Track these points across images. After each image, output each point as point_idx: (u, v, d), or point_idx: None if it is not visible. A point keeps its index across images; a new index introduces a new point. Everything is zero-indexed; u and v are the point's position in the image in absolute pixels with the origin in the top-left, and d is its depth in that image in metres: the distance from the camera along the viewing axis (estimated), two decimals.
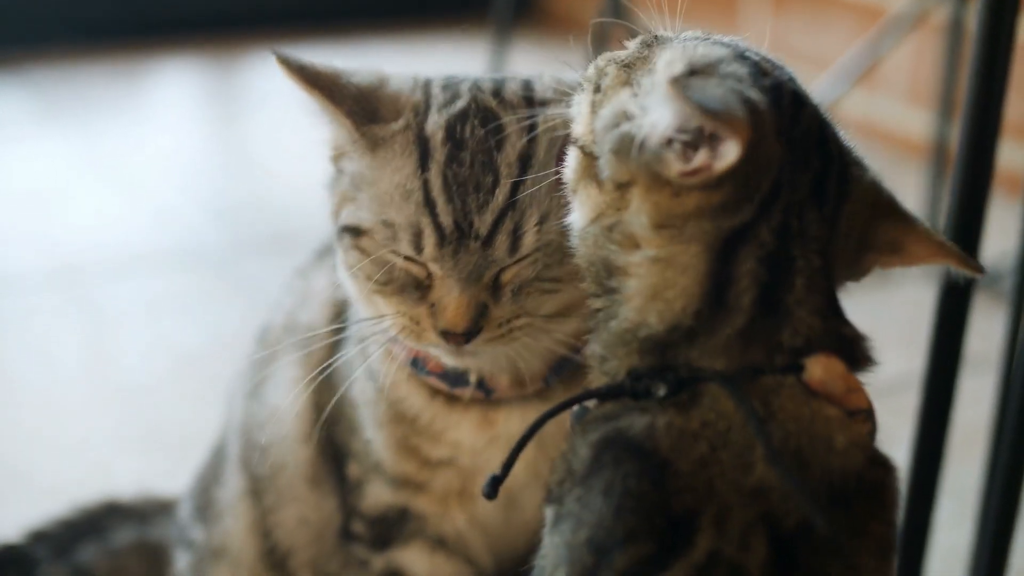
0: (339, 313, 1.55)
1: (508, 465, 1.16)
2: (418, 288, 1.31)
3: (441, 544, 1.54)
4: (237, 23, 5.14)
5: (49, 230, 3.49)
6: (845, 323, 1.11)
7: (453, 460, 1.48)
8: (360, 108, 1.34)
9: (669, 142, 1.05)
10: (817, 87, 3.35)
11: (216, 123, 4.58)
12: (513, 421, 1.45)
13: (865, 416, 1.10)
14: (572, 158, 1.18)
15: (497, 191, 1.28)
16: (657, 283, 1.09)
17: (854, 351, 1.11)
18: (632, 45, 1.21)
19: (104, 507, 2.03)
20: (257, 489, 1.64)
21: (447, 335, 1.30)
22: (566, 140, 1.23)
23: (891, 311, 2.92)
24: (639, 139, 1.08)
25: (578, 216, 1.16)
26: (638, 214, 1.09)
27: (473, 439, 1.46)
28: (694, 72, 1.07)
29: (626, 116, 1.11)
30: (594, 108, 1.16)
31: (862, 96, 4.02)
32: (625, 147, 1.09)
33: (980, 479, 1.68)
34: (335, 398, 1.50)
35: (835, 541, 1.04)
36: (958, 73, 3.10)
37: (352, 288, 1.41)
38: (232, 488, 1.68)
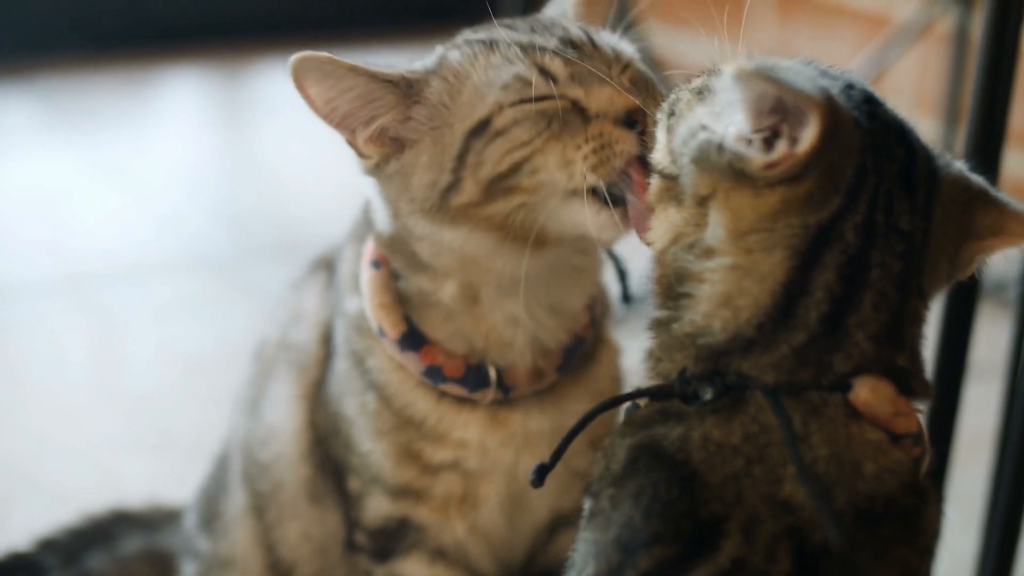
0: (329, 334, 1.56)
1: (558, 453, 1.19)
2: (575, 120, 1.34)
3: (440, 554, 1.54)
4: (245, 31, 5.14)
5: (58, 237, 3.50)
6: (901, 352, 1.11)
7: (457, 463, 1.49)
8: None
9: (748, 142, 1.07)
10: None
11: (224, 130, 4.58)
12: (532, 419, 1.48)
13: (913, 441, 1.10)
14: (653, 184, 1.20)
15: (567, 23, 1.42)
16: (730, 291, 1.09)
17: (907, 381, 1.11)
18: (700, 78, 1.23)
19: (112, 515, 2.04)
20: (259, 505, 1.65)
21: (633, 118, 1.33)
22: None
23: None
24: (716, 141, 1.09)
25: (656, 238, 1.18)
26: (716, 227, 1.10)
27: (483, 438, 1.47)
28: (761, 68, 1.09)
29: (702, 127, 1.13)
30: (670, 130, 1.18)
31: None
32: (705, 153, 1.10)
33: (986, 485, 1.68)
34: (329, 414, 1.51)
35: (854, 560, 1.05)
36: (964, 82, 3.10)
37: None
38: (236, 503, 1.69)
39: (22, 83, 4.69)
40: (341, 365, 1.52)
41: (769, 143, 1.06)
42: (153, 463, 2.40)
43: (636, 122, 1.32)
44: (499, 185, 1.34)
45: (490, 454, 1.48)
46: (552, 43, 1.37)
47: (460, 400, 1.47)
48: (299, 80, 1.36)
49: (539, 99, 1.33)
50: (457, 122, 1.36)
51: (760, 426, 1.07)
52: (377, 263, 1.48)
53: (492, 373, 1.46)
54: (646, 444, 1.10)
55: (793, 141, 1.05)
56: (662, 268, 1.17)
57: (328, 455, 1.58)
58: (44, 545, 1.99)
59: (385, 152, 1.39)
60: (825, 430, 1.07)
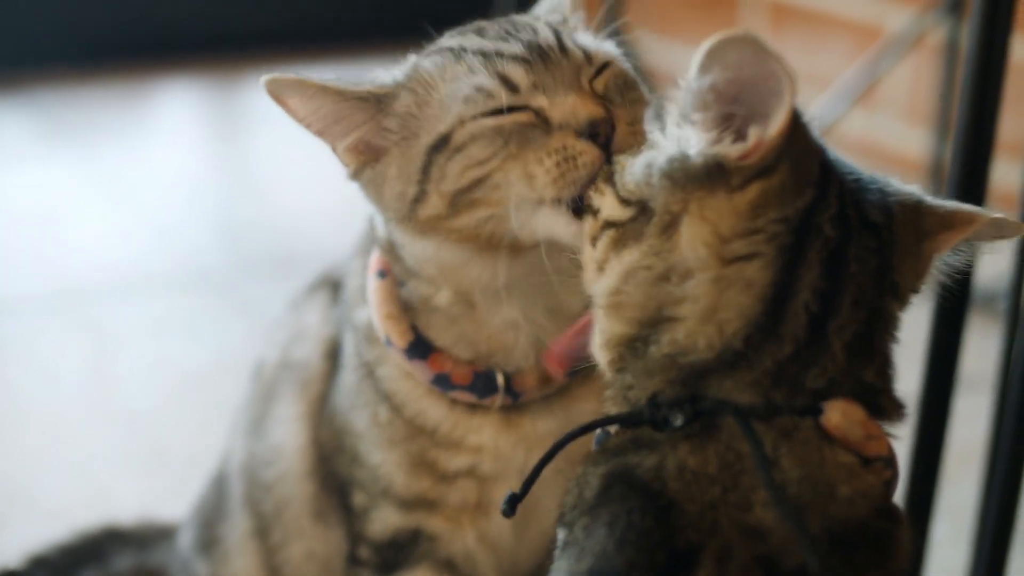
0: (333, 349, 1.56)
1: (528, 484, 1.18)
2: (535, 133, 1.32)
3: (449, 566, 1.54)
4: (239, 44, 5.15)
5: (52, 251, 3.50)
6: (871, 365, 1.11)
7: (473, 468, 1.49)
8: None
9: (716, 140, 1.07)
10: (816, 106, 3.36)
11: (219, 144, 4.58)
12: (540, 421, 1.48)
13: (884, 464, 1.10)
14: (597, 247, 1.17)
15: (539, 24, 1.39)
16: (714, 304, 1.08)
17: (876, 400, 1.11)
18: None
19: (104, 532, 2.04)
20: (263, 528, 1.65)
21: (595, 129, 1.30)
22: None
23: None
24: (684, 150, 1.09)
25: (606, 280, 1.16)
26: (693, 244, 1.08)
27: (497, 442, 1.47)
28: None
29: (667, 144, 1.12)
30: (616, 180, 1.17)
31: (861, 115, 4.03)
32: (675, 164, 1.09)
33: (976, 498, 1.68)
34: (334, 429, 1.51)
35: None
36: (955, 93, 3.11)
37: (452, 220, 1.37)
38: (238, 528, 1.69)
39: (17, 96, 4.69)
40: (349, 378, 1.52)
41: (739, 134, 1.06)
42: (147, 479, 2.40)
43: (599, 134, 1.29)
44: (463, 199, 1.33)
45: (503, 457, 1.48)
46: (517, 49, 1.35)
47: (472, 405, 1.47)
48: (276, 96, 1.37)
49: (500, 111, 1.32)
50: (423, 134, 1.36)
51: (735, 453, 1.06)
52: (383, 273, 1.48)
53: (500, 379, 1.45)
54: (619, 472, 1.09)
55: (764, 125, 1.05)
56: (628, 300, 1.14)
57: (332, 471, 1.57)
58: (36, 562, 1.99)
59: (362, 160, 1.40)
60: (797, 453, 1.06)
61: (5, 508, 2.31)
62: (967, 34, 1.51)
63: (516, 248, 1.35)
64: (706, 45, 1.04)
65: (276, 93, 1.36)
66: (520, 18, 1.44)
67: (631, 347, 1.13)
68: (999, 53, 1.50)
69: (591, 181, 1.26)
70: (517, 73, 1.33)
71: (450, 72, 1.36)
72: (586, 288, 1.20)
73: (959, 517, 1.98)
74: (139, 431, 2.58)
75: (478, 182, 1.32)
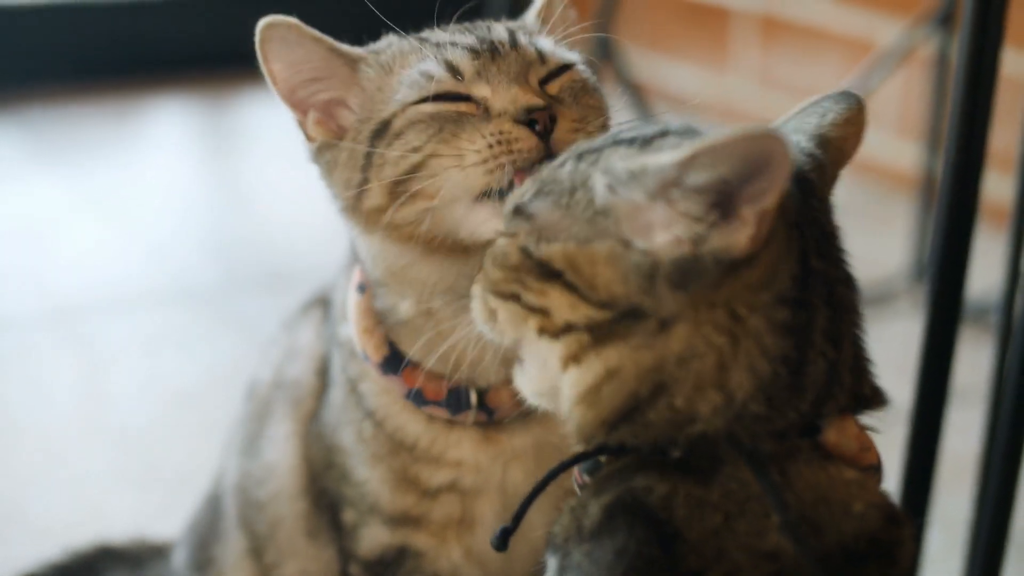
0: (324, 366, 1.56)
1: (518, 517, 1.17)
2: (474, 120, 1.31)
3: None
4: (229, 62, 5.15)
5: (44, 268, 3.50)
6: (862, 377, 1.10)
7: (455, 483, 1.48)
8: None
9: (709, 227, 1.00)
10: None
11: (209, 161, 4.58)
12: (517, 437, 1.46)
13: (875, 470, 1.10)
14: (558, 345, 1.08)
15: (496, 24, 1.42)
16: (723, 378, 1.03)
17: (862, 398, 1.10)
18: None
19: (97, 551, 2.03)
20: (257, 548, 1.64)
21: (532, 117, 1.28)
22: None
23: (880, 344, 2.91)
24: (687, 252, 1.01)
25: (580, 375, 1.07)
26: (703, 334, 1.02)
27: (476, 457, 1.47)
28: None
29: (649, 253, 1.03)
30: (578, 287, 1.06)
31: None
32: (682, 268, 1.01)
33: (969, 510, 1.68)
34: (324, 447, 1.51)
35: None
36: (946, 106, 3.11)
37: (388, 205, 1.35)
38: (233, 548, 1.68)
39: (7, 114, 4.69)
40: (337, 395, 1.52)
41: (727, 212, 1.00)
42: (139, 496, 2.40)
43: (536, 121, 1.28)
44: (400, 188, 1.32)
45: (483, 472, 1.47)
46: (468, 40, 1.36)
47: (449, 420, 1.46)
48: (263, 50, 1.38)
49: (442, 96, 1.32)
50: (374, 118, 1.36)
51: (738, 481, 1.04)
52: (362, 287, 1.47)
53: (473, 396, 1.44)
54: (627, 501, 1.05)
55: (758, 204, 0.99)
56: (601, 410, 1.07)
57: (323, 489, 1.57)
58: None
59: (328, 135, 1.40)
60: (804, 475, 1.05)
61: None
62: (958, 47, 1.51)
63: (459, 249, 1.34)
64: (709, 143, 0.97)
65: (267, 43, 1.38)
66: (481, 21, 1.45)
67: (615, 424, 1.07)
68: (989, 66, 1.50)
69: (527, 171, 1.25)
70: (463, 61, 1.34)
71: (407, 59, 1.38)
72: (536, 378, 1.13)
73: (952, 529, 1.98)
74: (131, 448, 2.57)
75: (414, 169, 1.31)
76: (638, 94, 2.83)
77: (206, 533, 1.75)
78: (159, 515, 2.27)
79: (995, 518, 1.58)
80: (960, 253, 1.52)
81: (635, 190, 1.02)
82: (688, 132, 1.09)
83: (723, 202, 1.00)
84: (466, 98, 1.32)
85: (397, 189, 1.32)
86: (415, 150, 1.31)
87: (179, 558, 1.80)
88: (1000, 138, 1.73)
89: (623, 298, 1.03)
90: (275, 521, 1.61)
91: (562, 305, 1.06)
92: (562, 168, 1.10)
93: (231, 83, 5.04)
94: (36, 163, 4.27)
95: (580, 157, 1.10)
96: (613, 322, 1.04)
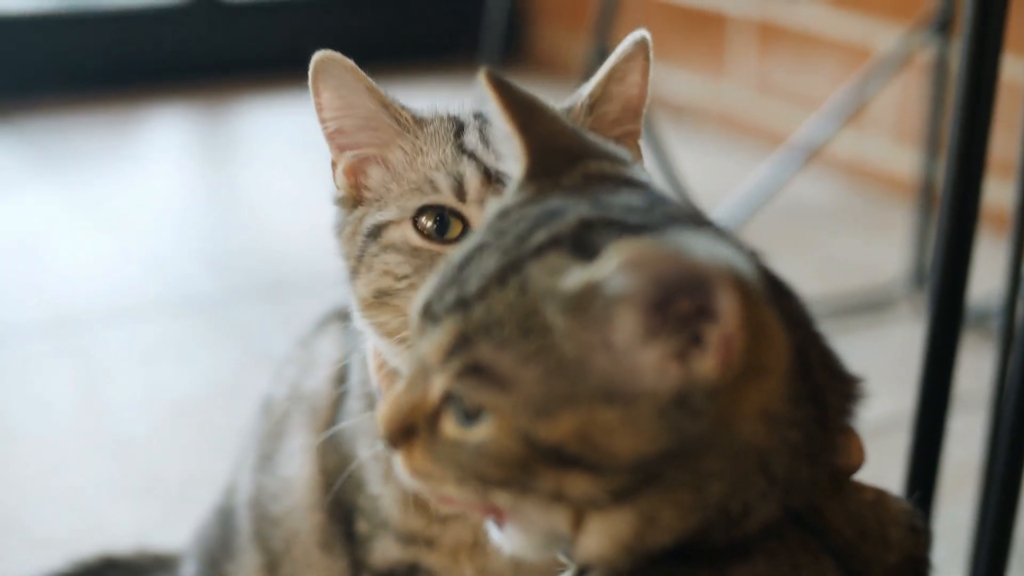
0: (344, 374, 1.55)
1: None
2: None
3: None
4: (227, 70, 5.16)
5: (42, 279, 3.50)
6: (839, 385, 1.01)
7: (465, 513, 1.46)
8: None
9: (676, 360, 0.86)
10: (805, 127, 3.37)
11: (207, 170, 4.58)
12: None
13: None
14: (557, 511, 0.93)
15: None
16: (744, 487, 0.91)
17: (845, 403, 1.01)
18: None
19: (101, 562, 2.03)
20: (272, 563, 1.63)
21: None
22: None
23: (881, 351, 2.93)
24: (664, 399, 0.87)
25: (591, 541, 0.93)
26: (731, 450, 0.90)
27: None
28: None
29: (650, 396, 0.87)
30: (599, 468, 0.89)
31: (850, 135, 4.04)
32: (671, 420, 0.87)
33: (972, 518, 1.68)
34: (340, 456, 1.50)
35: None
36: (944, 112, 3.12)
37: (374, 313, 1.34)
38: (247, 565, 1.67)
39: (5, 124, 4.70)
40: (354, 406, 1.51)
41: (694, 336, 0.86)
42: (140, 506, 2.39)
43: None
44: (383, 298, 1.32)
45: None
46: (488, 160, 1.32)
47: None
48: (315, 79, 1.35)
49: (438, 208, 1.30)
50: (386, 207, 1.34)
51: (778, 540, 0.94)
52: None
53: None
54: None
55: (710, 317, 0.85)
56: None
57: (337, 499, 1.56)
58: None
59: (349, 190, 1.38)
60: (834, 510, 0.98)
61: None
62: (959, 53, 1.51)
63: None
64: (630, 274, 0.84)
65: (321, 74, 1.34)
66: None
67: (656, 555, 0.93)
68: (990, 72, 1.50)
69: None
70: (472, 182, 1.31)
71: (437, 148, 1.34)
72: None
73: (955, 537, 1.98)
74: (131, 458, 2.57)
75: (392, 291, 1.31)
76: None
77: (217, 550, 1.74)
78: (160, 525, 2.26)
79: (997, 526, 1.58)
80: (962, 259, 1.52)
81: (593, 326, 0.87)
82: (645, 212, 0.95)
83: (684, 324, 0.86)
84: (459, 216, 1.31)
85: (379, 297, 1.33)
86: (395, 278, 1.31)
87: (188, 573, 1.79)
88: (1000, 144, 1.73)
89: (651, 454, 0.88)
90: (291, 536, 1.60)
91: (581, 483, 0.90)
92: (497, 292, 0.91)
93: (228, 93, 5.04)
94: (34, 173, 4.27)
95: (505, 274, 0.92)
96: (640, 480, 0.89)
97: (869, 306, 3.19)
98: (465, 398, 0.91)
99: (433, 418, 0.94)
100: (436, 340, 0.92)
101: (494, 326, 0.89)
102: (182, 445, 2.62)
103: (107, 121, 4.82)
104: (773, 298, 0.92)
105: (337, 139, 1.38)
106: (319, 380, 1.58)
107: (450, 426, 0.93)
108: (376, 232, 1.33)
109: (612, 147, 1.06)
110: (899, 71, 3.40)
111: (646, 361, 0.86)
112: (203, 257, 3.69)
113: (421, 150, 1.34)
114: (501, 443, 0.89)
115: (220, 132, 4.94)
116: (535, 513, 0.93)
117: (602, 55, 3.02)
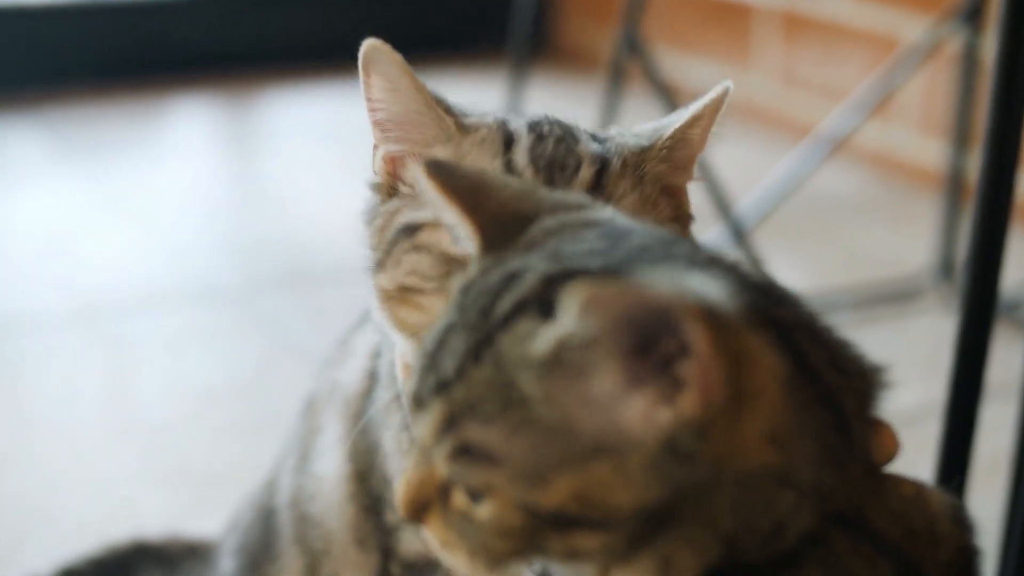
0: (376, 365, 1.54)
1: None
2: None
3: None
4: (252, 60, 5.16)
5: (67, 269, 3.51)
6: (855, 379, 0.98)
7: None
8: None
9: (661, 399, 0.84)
10: (831, 118, 3.36)
11: (232, 160, 4.59)
12: None
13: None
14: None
15: (581, 170, 1.26)
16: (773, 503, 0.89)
17: (868, 393, 0.99)
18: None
19: (133, 547, 2.03)
20: (313, 564, 1.63)
21: None
22: None
23: (912, 341, 2.93)
24: (651, 445, 0.85)
25: None
26: (744, 475, 0.88)
27: None
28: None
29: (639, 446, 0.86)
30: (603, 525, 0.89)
31: (877, 126, 4.03)
32: (665, 465, 0.85)
33: (1003, 508, 1.68)
34: (368, 444, 1.50)
35: None
36: (972, 103, 3.11)
37: (397, 311, 1.33)
38: (289, 568, 1.67)
39: (29, 115, 4.71)
40: (384, 396, 1.51)
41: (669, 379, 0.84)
42: (169, 494, 2.40)
43: None
44: (405, 295, 1.31)
45: None
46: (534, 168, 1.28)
47: None
48: (366, 65, 1.33)
49: None
50: (422, 207, 1.30)
51: (825, 546, 0.92)
52: None
53: None
54: None
55: (683, 352, 0.83)
56: None
57: (368, 490, 1.56)
58: (65, 574, 1.99)
59: (385, 178, 1.37)
60: (877, 508, 0.96)
61: (25, 526, 2.31)
62: (987, 43, 1.50)
63: None
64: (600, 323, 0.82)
65: (371, 61, 1.32)
66: (585, 147, 1.30)
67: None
68: None
69: None
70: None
71: (480, 151, 1.31)
72: None
73: (986, 528, 1.96)
74: (158, 447, 2.58)
75: (419, 289, 1.30)
76: (666, 93, 2.82)
77: (259, 551, 1.73)
78: (189, 512, 2.27)
79: None
80: (994, 251, 1.51)
81: (570, 384, 0.86)
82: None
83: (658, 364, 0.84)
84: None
85: (403, 291, 1.31)
86: (421, 277, 1.29)
87: (226, 570, 1.78)
88: None
89: (652, 502, 0.86)
90: (329, 535, 1.60)
91: (590, 540, 0.89)
92: (473, 369, 0.90)
93: (253, 82, 5.05)
94: (59, 164, 4.28)
95: (478, 350, 0.90)
96: (652, 526, 0.88)
97: (896, 297, 3.18)
98: (462, 479, 0.91)
99: (443, 491, 0.95)
100: (426, 424, 0.93)
101: (476, 404, 0.89)
102: (209, 433, 2.62)
103: (133, 111, 4.83)
104: (762, 309, 0.90)
105: (381, 126, 1.36)
106: (352, 370, 1.58)
107: (460, 498, 0.93)
108: (409, 231, 1.31)
109: (568, 195, 1.06)
110: (926, 61, 3.38)
111: (631, 411, 0.85)
112: (228, 247, 3.70)
113: (463, 158, 1.31)
114: (503, 517, 0.90)
115: (246, 122, 4.95)
116: (561, 570, 0.94)
117: (630, 47, 3.02)
